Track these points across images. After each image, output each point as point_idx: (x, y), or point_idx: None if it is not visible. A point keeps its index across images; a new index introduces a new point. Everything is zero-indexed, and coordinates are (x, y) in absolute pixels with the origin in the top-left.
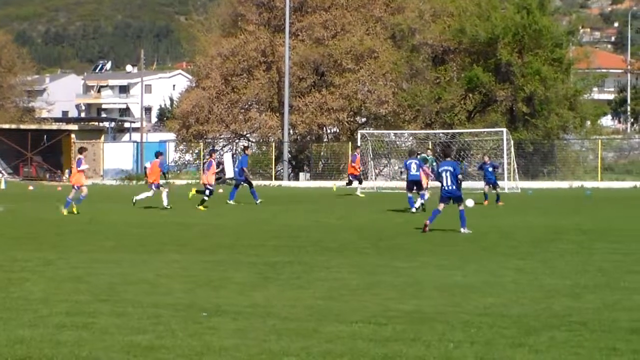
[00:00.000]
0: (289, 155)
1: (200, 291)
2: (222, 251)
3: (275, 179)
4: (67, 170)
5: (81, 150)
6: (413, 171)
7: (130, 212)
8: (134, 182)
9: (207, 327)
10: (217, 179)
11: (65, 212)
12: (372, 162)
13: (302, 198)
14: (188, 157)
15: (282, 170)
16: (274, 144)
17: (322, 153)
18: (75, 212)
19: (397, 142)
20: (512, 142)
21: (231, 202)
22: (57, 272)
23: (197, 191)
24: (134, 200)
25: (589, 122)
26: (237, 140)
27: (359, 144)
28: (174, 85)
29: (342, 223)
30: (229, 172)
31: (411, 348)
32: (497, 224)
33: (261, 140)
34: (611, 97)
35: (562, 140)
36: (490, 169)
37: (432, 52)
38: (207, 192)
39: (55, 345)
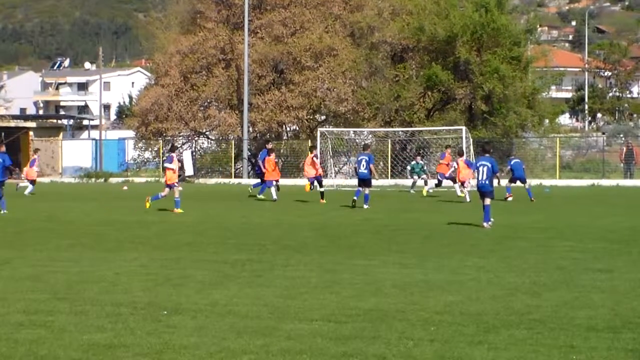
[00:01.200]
0: (249, 153)
1: (160, 289)
2: (182, 249)
3: (235, 176)
4: (24, 168)
5: (173, 148)
6: (362, 169)
7: (88, 210)
8: (93, 179)
9: (166, 325)
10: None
11: (148, 203)
12: (331, 160)
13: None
14: (147, 154)
15: (241, 168)
16: (233, 141)
17: (281, 151)
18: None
19: (357, 140)
20: (471, 140)
21: (260, 196)
22: (15, 270)
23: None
24: (275, 198)
25: (547, 121)
26: (196, 138)
27: (317, 141)
28: (132, 83)
29: (302, 221)
30: (189, 170)
31: (371, 346)
32: (456, 222)
33: (220, 138)
34: (569, 95)
35: (520, 138)
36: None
37: (391, 50)
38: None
39: (14, 344)
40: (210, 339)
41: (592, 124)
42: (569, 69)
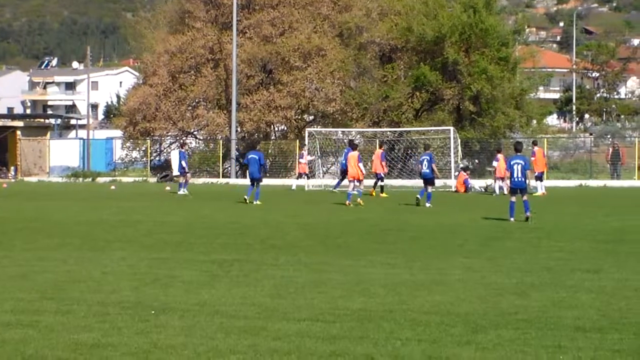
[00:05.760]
0: (237, 153)
1: (147, 289)
2: (170, 249)
3: (223, 176)
4: (12, 167)
5: (354, 145)
6: (424, 168)
7: (76, 209)
8: (81, 179)
9: (154, 325)
10: (164, 176)
11: (360, 201)
12: (319, 160)
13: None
14: (135, 154)
15: (229, 168)
16: (221, 141)
17: (269, 151)
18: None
19: (345, 140)
20: (459, 140)
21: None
22: (2, 270)
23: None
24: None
25: (534, 121)
26: (184, 138)
27: (306, 142)
28: (120, 82)
29: (290, 221)
30: (176, 170)
31: (359, 346)
32: (443, 222)
33: (209, 137)
34: (557, 96)
35: (508, 139)
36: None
37: (380, 51)
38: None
39: (1, 343)
40: (198, 338)
41: (580, 124)
42: (556, 70)
